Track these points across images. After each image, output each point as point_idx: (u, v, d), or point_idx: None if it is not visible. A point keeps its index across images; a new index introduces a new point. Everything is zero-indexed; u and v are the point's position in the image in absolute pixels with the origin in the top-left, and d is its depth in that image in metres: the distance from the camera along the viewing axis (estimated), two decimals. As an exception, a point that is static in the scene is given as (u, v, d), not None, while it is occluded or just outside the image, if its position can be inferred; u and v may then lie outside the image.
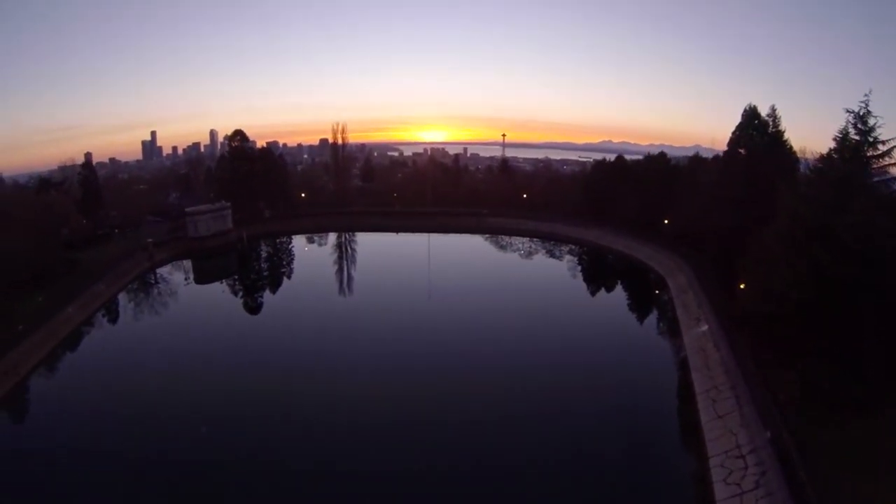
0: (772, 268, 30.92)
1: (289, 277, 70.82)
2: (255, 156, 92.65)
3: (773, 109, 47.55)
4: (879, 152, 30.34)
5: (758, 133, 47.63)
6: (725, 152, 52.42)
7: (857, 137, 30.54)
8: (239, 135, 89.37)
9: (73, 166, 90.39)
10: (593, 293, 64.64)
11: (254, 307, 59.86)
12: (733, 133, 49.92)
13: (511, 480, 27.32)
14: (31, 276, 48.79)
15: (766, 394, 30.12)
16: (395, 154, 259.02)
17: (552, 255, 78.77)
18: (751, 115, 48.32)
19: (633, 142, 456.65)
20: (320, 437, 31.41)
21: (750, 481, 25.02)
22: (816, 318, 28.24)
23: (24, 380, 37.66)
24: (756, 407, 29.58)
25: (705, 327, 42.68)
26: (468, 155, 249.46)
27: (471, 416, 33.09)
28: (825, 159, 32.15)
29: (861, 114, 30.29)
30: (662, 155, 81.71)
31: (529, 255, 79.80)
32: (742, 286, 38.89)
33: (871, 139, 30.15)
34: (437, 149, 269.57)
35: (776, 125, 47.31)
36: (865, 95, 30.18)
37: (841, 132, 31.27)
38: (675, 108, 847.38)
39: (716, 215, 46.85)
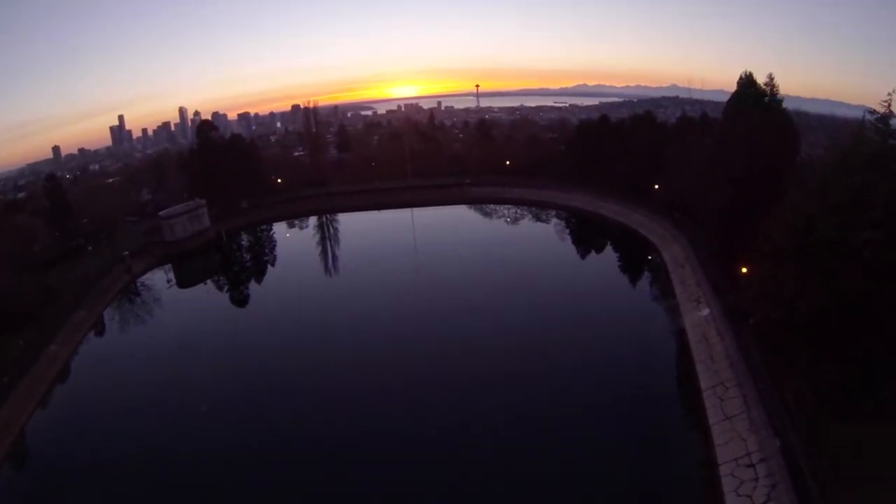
0: (779, 269, 29.83)
1: (273, 266, 70.85)
2: (226, 145, 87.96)
3: (771, 78, 44.85)
4: None
5: (755, 102, 44.93)
6: (721, 123, 50.16)
7: (876, 138, 28.57)
8: (207, 125, 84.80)
9: (43, 162, 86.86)
10: (584, 261, 64.78)
11: (242, 300, 60.29)
12: (728, 102, 47.73)
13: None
14: (7, 313, 46.04)
15: (773, 396, 29.95)
16: (369, 113, 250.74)
17: (539, 220, 78.42)
18: (746, 83, 45.74)
19: (608, 84, 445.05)
20: (344, 405, 35.50)
21: (761, 493, 25.03)
22: (826, 324, 27.56)
23: (21, 435, 35.54)
24: (764, 410, 29.37)
25: (706, 311, 42.15)
26: (442, 108, 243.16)
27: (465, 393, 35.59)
28: (842, 160, 30.02)
29: (884, 115, 28.26)
30: (649, 114, 79.06)
31: (516, 222, 79.34)
32: (744, 270, 38.16)
33: (892, 142, 28.22)
34: (411, 104, 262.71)
35: (774, 93, 44.69)
36: (889, 94, 27.96)
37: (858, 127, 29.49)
38: (648, 46, 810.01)
39: (713, 194, 45.19)
